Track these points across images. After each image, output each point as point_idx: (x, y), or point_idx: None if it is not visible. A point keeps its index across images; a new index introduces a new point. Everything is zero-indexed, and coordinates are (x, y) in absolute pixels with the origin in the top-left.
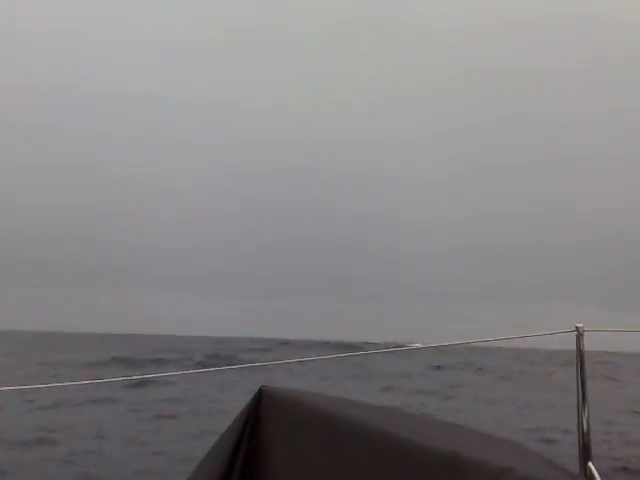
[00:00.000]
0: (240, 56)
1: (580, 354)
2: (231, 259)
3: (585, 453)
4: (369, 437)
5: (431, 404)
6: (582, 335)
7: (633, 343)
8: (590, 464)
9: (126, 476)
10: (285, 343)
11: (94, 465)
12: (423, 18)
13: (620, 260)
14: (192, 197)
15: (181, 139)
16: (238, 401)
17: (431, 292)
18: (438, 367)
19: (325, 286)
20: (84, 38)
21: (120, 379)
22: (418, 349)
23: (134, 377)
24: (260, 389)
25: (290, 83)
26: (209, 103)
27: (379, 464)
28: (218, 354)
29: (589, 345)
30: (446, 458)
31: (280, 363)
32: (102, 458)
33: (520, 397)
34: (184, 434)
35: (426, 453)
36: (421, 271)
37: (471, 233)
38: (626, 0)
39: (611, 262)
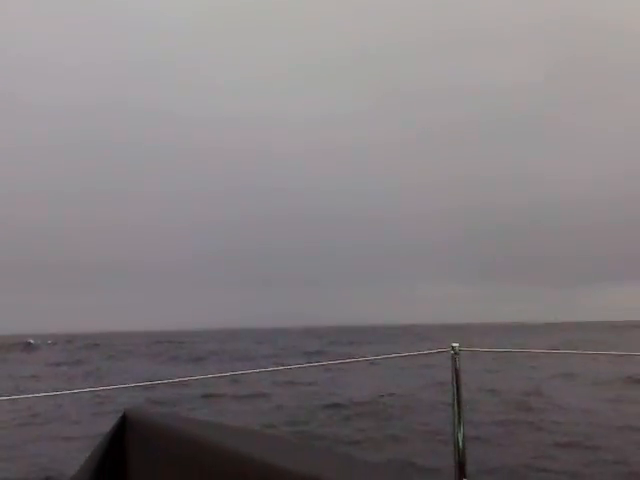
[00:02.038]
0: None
1: (456, 373)
2: None
3: (460, 470)
4: (232, 461)
5: None
6: (458, 354)
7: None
8: None
9: None
10: None
11: None
12: None
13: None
14: None
15: None
16: None
17: None
18: None
19: None
20: None
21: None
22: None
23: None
24: (124, 413)
25: None
26: None
27: None
28: None
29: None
30: None
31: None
32: None
33: None
34: None
35: (288, 478)
36: None
37: None
38: None
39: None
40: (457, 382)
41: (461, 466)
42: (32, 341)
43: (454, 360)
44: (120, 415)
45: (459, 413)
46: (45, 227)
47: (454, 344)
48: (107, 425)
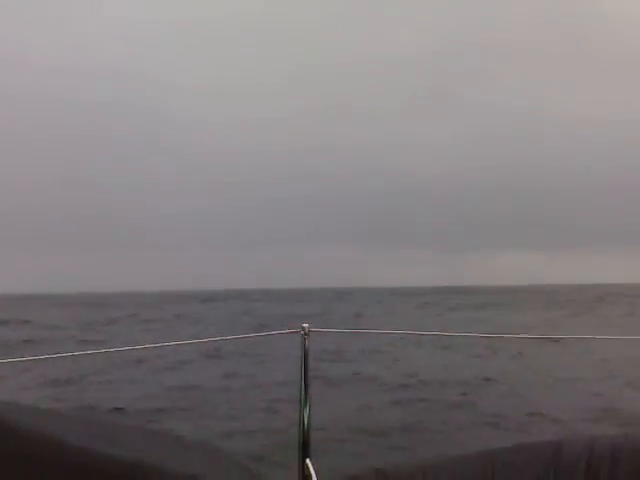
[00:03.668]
0: None
1: (305, 353)
2: None
3: (304, 450)
4: (46, 448)
5: None
6: (308, 335)
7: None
8: (308, 461)
9: None
10: None
11: None
12: None
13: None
14: None
15: None
16: None
17: None
18: None
19: None
20: None
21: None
22: None
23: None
24: None
25: None
26: None
27: (57, 477)
28: None
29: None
30: (130, 467)
31: None
32: None
33: None
34: None
35: (110, 463)
36: None
37: None
38: None
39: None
40: (305, 362)
41: (305, 446)
42: None
43: (304, 340)
44: None
45: (305, 393)
46: None
47: (304, 324)
48: None
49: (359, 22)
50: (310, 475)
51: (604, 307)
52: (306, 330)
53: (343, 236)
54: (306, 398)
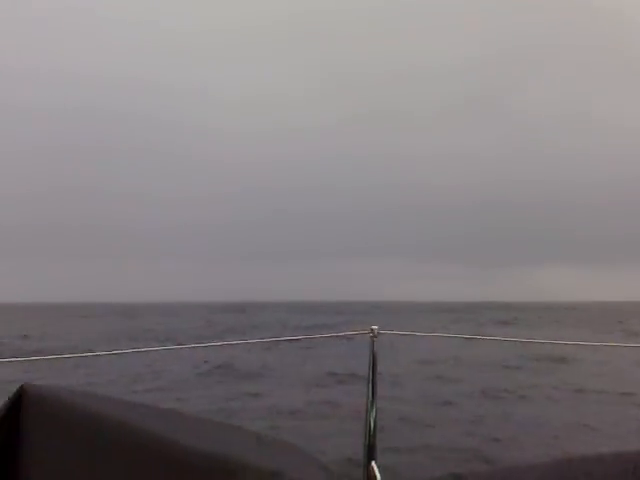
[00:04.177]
0: None
1: (373, 355)
2: None
3: (370, 453)
4: (133, 438)
5: None
6: (376, 337)
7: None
8: (373, 464)
9: None
10: None
11: None
12: None
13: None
14: None
15: None
16: None
17: None
18: None
19: None
20: None
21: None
22: None
23: None
24: (21, 387)
25: None
26: None
27: (142, 467)
28: None
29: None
30: (215, 462)
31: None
32: None
33: None
34: None
35: (194, 456)
36: None
37: None
38: None
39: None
40: (373, 364)
41: (371, 449)
42: None
43: (372, 342)
44: (16, 390)
45: (373, 395)
46: None
47: (373, 326)
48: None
49: (396, 32)
50: (375, 478)
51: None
52: (375, 332)
53: (372, 250)
54: (373, 400)
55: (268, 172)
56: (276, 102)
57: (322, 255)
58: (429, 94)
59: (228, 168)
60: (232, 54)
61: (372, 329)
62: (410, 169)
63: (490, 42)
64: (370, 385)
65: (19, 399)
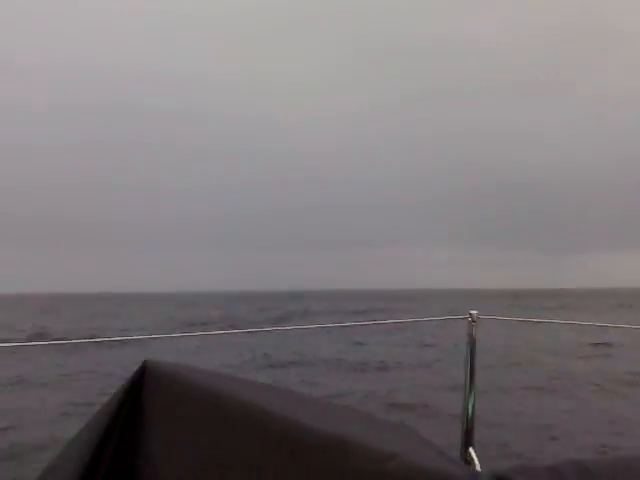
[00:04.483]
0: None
1: (472, 340)
2: None
3: (467, 439)
4: (252, 416)
5: None
6: (475, 322)
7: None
8: (471, 449)
9: None
10: None
11: None
12: None
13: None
14: None
15: None
16: None
17: None
18: None
19: None
20: None
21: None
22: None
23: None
24: (144, 363)
25: None
26: None
27: (261, 444)
28: None
29: None
30: (333, 441)
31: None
32: None
33: None
34: None
35: (312, 435)
36: None
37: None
38: None
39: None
40: (472, 350)
41: (468, 434)
42: None
43: (471, 327)
44: (140, 365)
45: (471, 381)
46: None
47: (472, 311)
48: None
49: (460, 6)
50: (473, 464)
51: None
52: (474, 317)
53: (439, 236)
54: (471, 386)
55: (332, 161)
56: (330, 85)
57: (386, 242)
58: (491, 71)
59: (291, 157)
60: (281, 40)
61: (471, 314)
62: (473, 147)
63: (555, 21)
64: (468, 371)
65: (142, 374)
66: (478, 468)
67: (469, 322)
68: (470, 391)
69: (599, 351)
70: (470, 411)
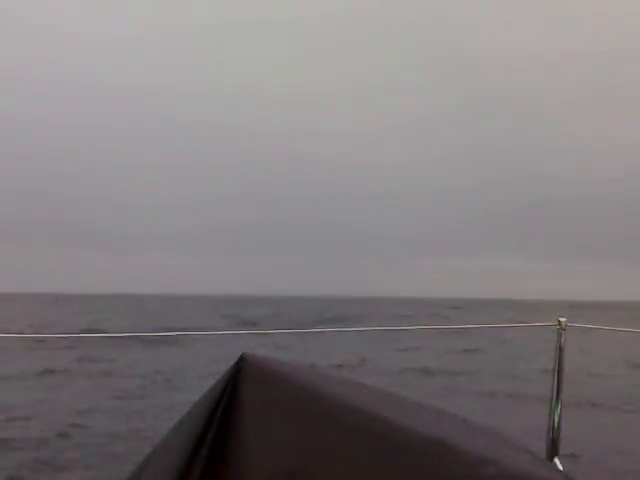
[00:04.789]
0: None
1: (560, 348)
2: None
3: (553, 448)
4: (348, 414)
5: None
6: (564, 329)
7: None
8: (556, 459)
9: None
10: None
11: None
12: None
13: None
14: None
15: None
16: None
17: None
18: None
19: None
20: None
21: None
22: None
23: None
24: (242, 355)
25: None
26: None
27: (357, 443)
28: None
29: None
30: (430, 444)
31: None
32: None
33: None
34: None
35: (410, 437)
36: None
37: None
38: None
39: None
40: (560, 359)
41: (554, 444)
42: None
43: (560, 335)
44: (238, 358)
45: (558, 390)
46: None
47: (561, 318)
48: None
49: (519, 18)
50: None
51: None
52: (563, 324)
53: (505, 245)
54: (558, 395)
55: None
56: (388, 92)
57: (449, 251)
58: (551, 83)
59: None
60: (339, 46)
61: (560, 321)
62: (537, 161)
63: (617, 34)
64: (555, 380)
65: (240, 366)
66: None
67: (558, 330)
68: (557, 401)
69: None
70: (556, 421)
